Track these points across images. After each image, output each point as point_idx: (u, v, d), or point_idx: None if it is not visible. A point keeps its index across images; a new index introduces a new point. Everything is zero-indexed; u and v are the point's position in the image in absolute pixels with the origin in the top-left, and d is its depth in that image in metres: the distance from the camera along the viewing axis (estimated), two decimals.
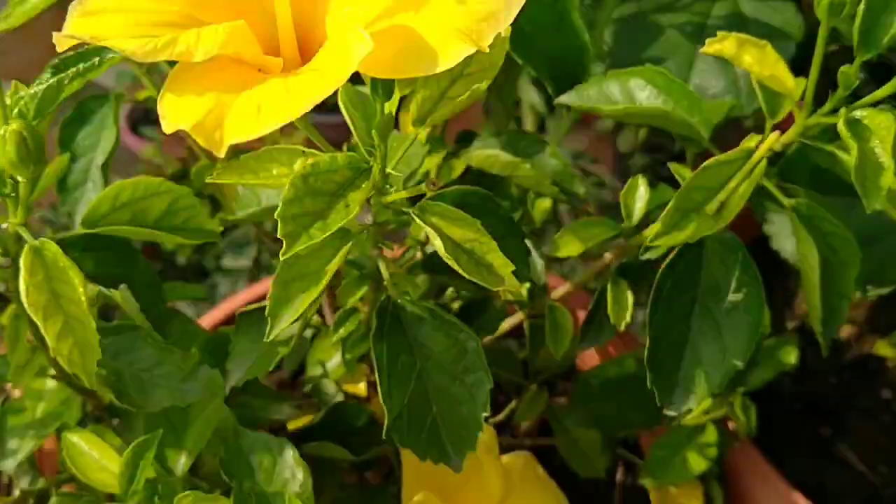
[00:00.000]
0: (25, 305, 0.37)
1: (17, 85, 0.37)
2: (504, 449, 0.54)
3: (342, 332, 0.50)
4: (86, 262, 0.44)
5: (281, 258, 0.31)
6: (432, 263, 0.48)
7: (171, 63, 0.28)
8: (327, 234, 0.31)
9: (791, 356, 0.62)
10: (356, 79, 0.29)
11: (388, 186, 0.38)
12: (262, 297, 0.44)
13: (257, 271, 1.21)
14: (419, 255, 0.54)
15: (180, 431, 0.47)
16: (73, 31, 0.29)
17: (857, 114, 0.37)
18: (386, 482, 0.59)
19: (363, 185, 0.33)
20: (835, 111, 0.38)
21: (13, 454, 0.52)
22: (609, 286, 0.48)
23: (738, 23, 0.51)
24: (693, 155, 0.46)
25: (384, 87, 0.33)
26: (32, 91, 0.35)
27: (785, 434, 0.72)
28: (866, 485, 0.70)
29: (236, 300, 0.74)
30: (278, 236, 0.31)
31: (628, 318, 0.47)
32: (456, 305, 0.54)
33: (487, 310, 0.51)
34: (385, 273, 0.42)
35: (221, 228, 0.56)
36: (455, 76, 0.35)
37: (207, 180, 0.36)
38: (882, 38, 0.36)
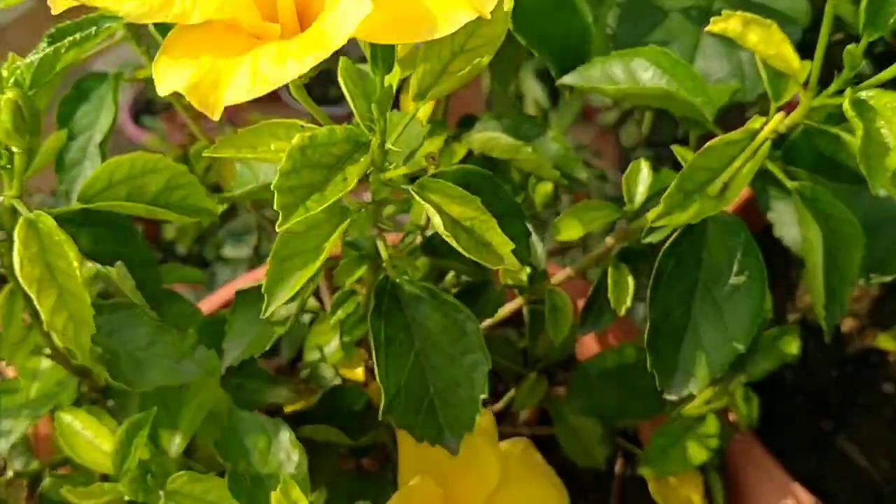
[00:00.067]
0: (19, 278, 0.36)
1: (13, 56, 0.37)
2: (503, 438, 0.54)
3: (340, 313, 0.49)
4: (82, 238, 0.44)
5: (277, 229, 0.31)
6: (432, 246, 0.47)
7: None
8: (324, 206, 0.31)
9: (793, 347, 0.61)
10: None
11: (387, 164, 0.37)
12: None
13: (258, 260, 1.21)
14: (419, 240, 0.54)
15: (175, 412, 0.47)
16: None
17: (863, 94, 0.36)
18: (383, 469, 0.59)
19: (362, 160, 0.33)
20: (840, 92, 0.38)
21: (7, 435, 0.52)
22: (610, 270, 0.47)
23: (744, 7, 0.50)
24: (696, 138, 0.45)
25: (384, 58, 0.32)
26: (28, 61, 0.34)
27: (786, 427, 0.72)
28: (867, 479, 0.69)
29: (235, 286, 0.74)
30: (275, 208, 0.30)
31: (628, 303, 0.47)
32: (455, 292, 0.54)
33: (487, 294, 0.51)
34: (384, 253, 0.41)
35: (221, 209, 0.55)
36: (456, 51, 0.34)
37: (205, 154, 0.35)
38: (889, 19, 0.36)
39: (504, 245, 0.36)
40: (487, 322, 0.53)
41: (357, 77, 0.38)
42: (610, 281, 0.47)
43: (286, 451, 0.44)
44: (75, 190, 0.50)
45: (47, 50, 0.34)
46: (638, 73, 0.42)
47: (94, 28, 0.35)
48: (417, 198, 0.36)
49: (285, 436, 0.44)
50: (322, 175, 0.32)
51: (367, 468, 0.61)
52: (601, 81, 0.42)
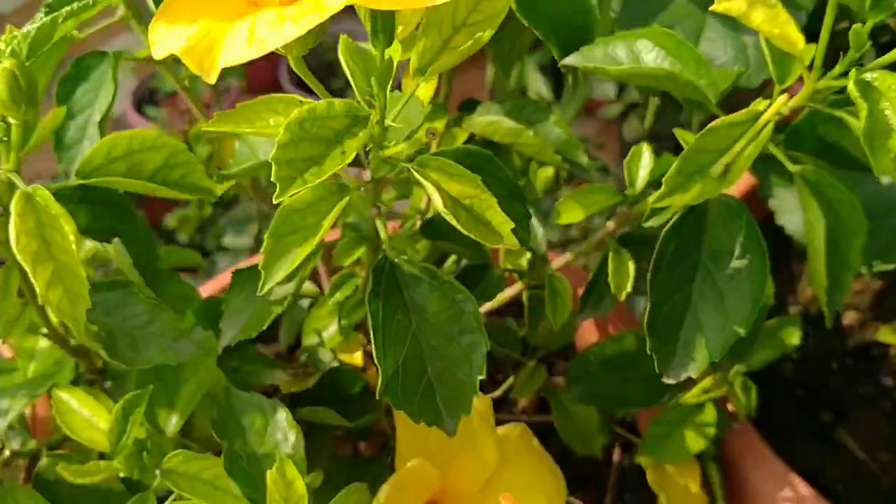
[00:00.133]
0: (15, 252, 0.36)
1: (10, 28, 0.37)
2: (501, 425, 0.54)
3: (338, 296, 0.49)
4: (79, 215, 0.44)
5: (274, 201, 0.31)
6: (432, 228, 0.47)
7: None
8: (322, 179, 0.31)
9: (794, 337, 0.61)
10: None
11: (387, 142, 0.37)
12: None
13: (258, 249, 1.20)
14: (419, 224, 0.54)
15: (172, 392, 0.47)
16: None
17: (868, 76, 0.36)
18: (381, 454, 0.58)
19: (360, 134, 0.32)
20: (844, 74, 0.37)
21: (4, 414, 0.52)
22: (610, 255, 0.47)
23: None
24: (699, 123, 0.45)
25: (385, 30, 0.32)
26: (25, 30, 0.34)
27: (785, 419, 0.71)
28: (866, 472, 0.69)
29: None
30: (272, 179, 0.30)
31: (629, 288, 0.47)
32: (455, 275, 0.53)
33: (487, 277, 0.51)
34: (382, 233, 0.41)
35: (220, 189, 0.55)
36: (457, 25, 0.34)
37: (203, 128, 0.35)
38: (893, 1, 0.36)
39: (504, 224, 0.36)
40: (488, 306, 0.53)
41: (358, 54, 0.37)
42: (610, 266, 0.47)
43: (283, 431, 0.44)
44: (74, 169, 0.50)
45: (44, 20, 0.34)
46: (641, 54, 0.42)
47: None
48: (417, 175, 0.36)
49: (282, 416, 0.44)
50: (320, 149, 0.32)
51: (365, 453, 0.61)
52: (604, 62, 0.42)
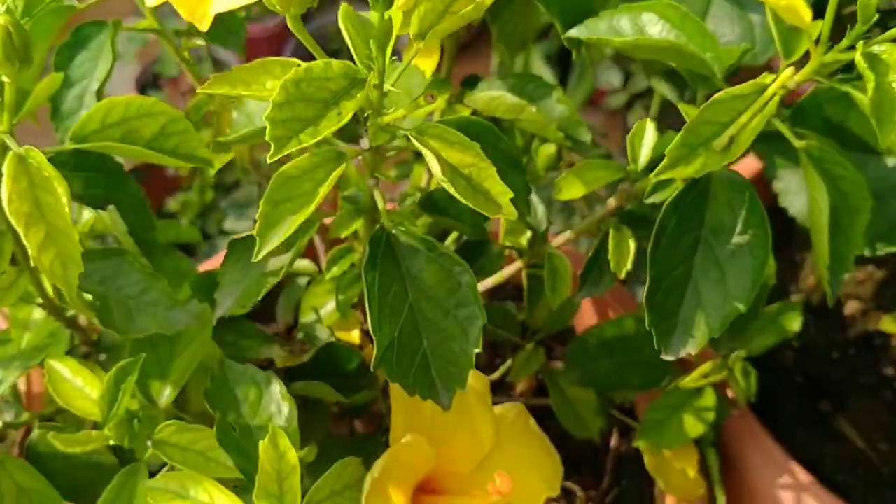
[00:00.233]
0: (7, 213, 0.35)
1: None
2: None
3: (335, 270, 0.49)
4: (74, 181, 0.43)
5: (268, 160, 0.30)
6: (431, 202, 0.47)
7: None
8: (318, 139, 0.30)
9: (795, 323, 0.60)
10: None
11: (385, 109, 0.37)
12: None
13: None
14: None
15: (166, 364, 0.46)
16: None
17: (875, 48, 0.35)
18: (376, 433, 0.58)
19: (358, 95, 0.32)
20: (851, 48, 0.37)
21: None
22: (611, 231, 0.46)
23: None
24: (703, 97, 0.44)
25: None
26: None
27: (785, 407, 0.71)
28: (865, 461, 0.68)
29: None
30: (266, 139, 0.29)
31: (629, 266, 0.46)
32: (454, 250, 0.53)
33: (486, 253, 0.50)
34: (380, 203, 0.40)
35: (219, 163, 0.54)
36: None
37: (199, 90, 0.34)
38: None
39: (503, 194, 0.35)
40: (487, 283, 0.52)
41: (358, 21, 0.37)
42: (611, 243, 0.46)
43: (277, 403, 0.43)
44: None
45: None
46: (646, 27, 0.41)
47: None
48: (416, 142, 0.35)
49: (276, 388, 0.44)
50: (316, 109, 0.31)
51: (361, 432, 0.60)
52: (608, 34, 0.41)
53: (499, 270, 0.51)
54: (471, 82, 0.54)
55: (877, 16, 0.36)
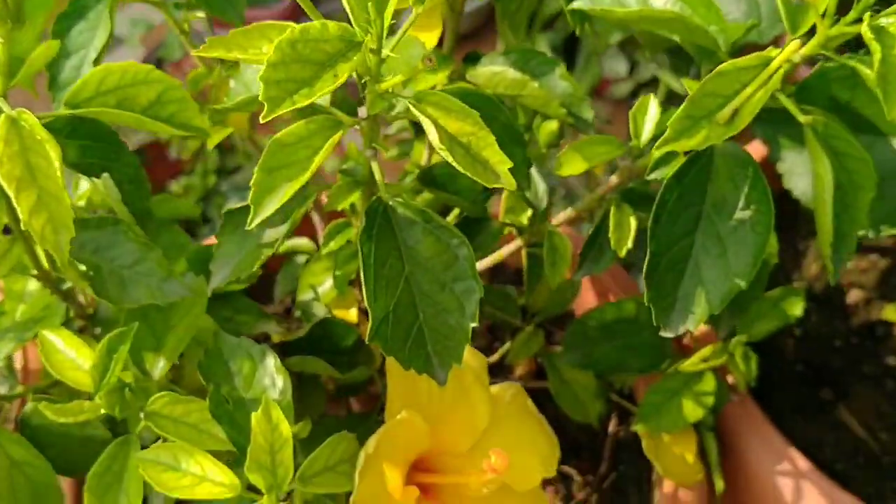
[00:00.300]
0: None
1: None
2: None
3: (332, 245, 0.48)
4: (69, 149, 0.43)
5: (261, 121, 0.29)
6: (430, 177, 0.46)
7: None
8: (312, 100, 0.29)
9: (797, 308, 0.60)
10: None
11: (383, 77, 0.36)
12: None
13: None
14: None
15: (160, 336, 0.46)
16: None
17: (882, 21, 0.35)
18: (372, 412, 0.58)
19: (354, 58, 0.31)
20: (858, 21, 0.36)
21: None
22: (612, 209, 0.46)
23: None
24: (707, 73, 0.43)
25: None
26: None
27: (785, 396, 0.70)
28: (865, 450, 0.68)
29: None
30: (260, 99, 0.29)
31: (630, 244, 0.45)
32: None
33: (485, 230, 0.50)
34: (377, 174, 0.40)
35: (217, 138, 0.54)
36: None
37: (195, 53, 0.34)
38: None
39: (501, 163, 0.35)
40: (486, 263, 0.52)
41: None
42: (612, 220, 0.46)
43: (271, 377, 0.43)
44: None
45: None
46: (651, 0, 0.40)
47: None
48: (414, 110, 0.35)
49: (271, 361, 0.43)
50: (312, 71, 0.30)
51: (357, 411, 0.60)
52: (612, 5, 0.40)
53: (497, 247, 0.50)
54: (473, 58, 0.53)
55: None
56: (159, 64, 1.75)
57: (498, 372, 0.70)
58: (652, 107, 0.45)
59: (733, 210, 0.38)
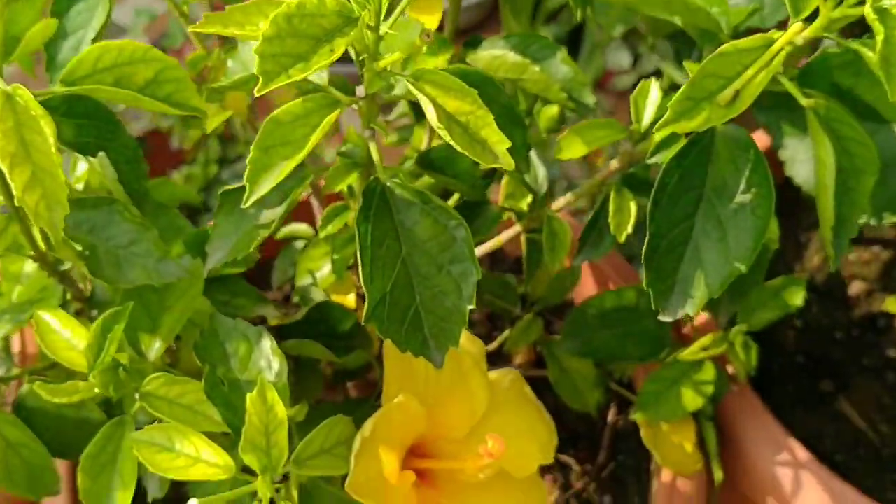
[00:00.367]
0: None
1: None
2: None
3: (330, 228, 0.48)
4: (65, 127, 0.42)
5: (256, 94, 0.29)
6: (429, 160, 0.46)
7: None
8: (308, 74, 0.29)
9: (797, 297, 0.59)
10: None
11: (381, 55, 0.36)
12: None
13: None
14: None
15: (156, 317, 0.46)
16: None
17: (885, 2, 0.34)
18: (369, 397, 0.57)
19: (351, 33, 0.31)
20: (861, 2, 0.36)
21: None
22: (612, 193, 0.45)
23: None
24: (709, 55, 0.43)
25: None
26: None
27: (785, 387, 0.70)
28: (865, 442, 0.67)
29: None
30: (255, 72, 0.29)
31: (629, 229, 0.45)
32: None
33: (483, 214, 0.49)
34: (375, 154, 0.40)
35: (216, 120, 0.54)
36: None
37: (190, 29, 0.33)
38: None
39: (500, 143, 0.35)
40: (486, 248, 0.52)
41: None
42: (612, 205, 0.45)
43: (267, 359, 0.43)
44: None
45: None
46: None
47: None
48: (412, 88, 0.34)
49: (267, 343, 0.43)
50: (308, 46, 0.30)
51: (354, 396, 0.60)
52: None
53: (496, 231, 0.50)
54: (473, 42, 0.53)
55: None
56: (163, 51, 1.75)
57: (497, 361, 0.70)
58: (653, 91, 0.45)
59: (734, 193, 0.38)
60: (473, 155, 0.34)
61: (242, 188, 0.39)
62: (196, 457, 0.40)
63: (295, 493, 0.41)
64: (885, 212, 0.48)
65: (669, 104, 0.35)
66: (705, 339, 0.59)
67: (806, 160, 0.50)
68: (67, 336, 0.44)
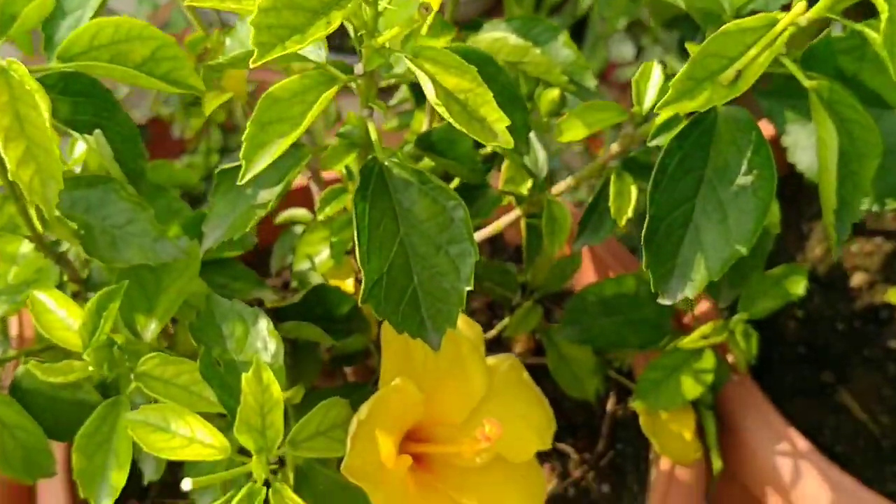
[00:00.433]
0: None
1: None
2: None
3: (328, 210, 0.48)
4: (62, 105, 0.42)
5: (251, 65, 0.29)
6: (428, 142, 0.45)
7: None
8: (304, 46, 0.29)
9: (799, 286, 0.59)
10: None
11: (379, 30, 0.35)
12: None
13: None
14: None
15: (152, 298, 0.45)
16: None
17: None
18: (367, 382, 0.57)
19: (348, 6, 0.31)
20: None
21: None
22: (612, 177, 0.45)
23: None
24: None
25: None
26: None
27: (785, 378, 0.70)
28: (865, 434, 0.67)
29: None
30: (251, 44, 0.28)
31: (630, 213, 0.45)
32: None
33: (483, 197, 0.49)
34: (373, 133, 0.39)
35: (214, 102, 0.53)
36: None
37: (185, 3, 0.33)
38: None
39: (499, 121, 0.34)
40: (485, 233, 0.51)
41: None
42: (612, 189, 0.45)
43: (263, 340, 0.42)
44: None
45: None
46: None
47: None
48: (410, 64, 0.34)
49: (263, 324, 0.43)
50: (304, 18, 0.30)
51: (352, 381, 0.60)
52: None
53: (496, 215, 0.50)
54: (474, 25, 0.52)
55: None
56: None
57: (496, 349, 0.69)
58: (655, 73, 0.44)
59: (735, 175, 0.37)
60: (472, 133, 0.34)
61: (239, 167, 0.39)
62: (191, 437, 0.40)
63: (291, 476, 0.41)
64: (887, 198, 0.47)
65: (671, 83, 0.35)
66: (706, 328, 0.58)
67: (809, 147, 0.49)
68: (62, 316, 0.44)
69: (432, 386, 0.48)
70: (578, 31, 1.44)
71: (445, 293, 0.39)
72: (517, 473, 0.50)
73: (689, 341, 0.58)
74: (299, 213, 0.62)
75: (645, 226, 0.37)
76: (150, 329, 0.45)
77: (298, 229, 0.64)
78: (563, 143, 0.85)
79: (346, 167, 0.49)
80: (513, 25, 0.50)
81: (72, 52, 0.40)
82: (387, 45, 0.35)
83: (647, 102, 0.44)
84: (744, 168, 0.37)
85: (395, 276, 0.38)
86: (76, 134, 0.41)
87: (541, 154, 0.49)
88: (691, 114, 0.38)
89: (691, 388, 0.57)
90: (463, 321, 0.49)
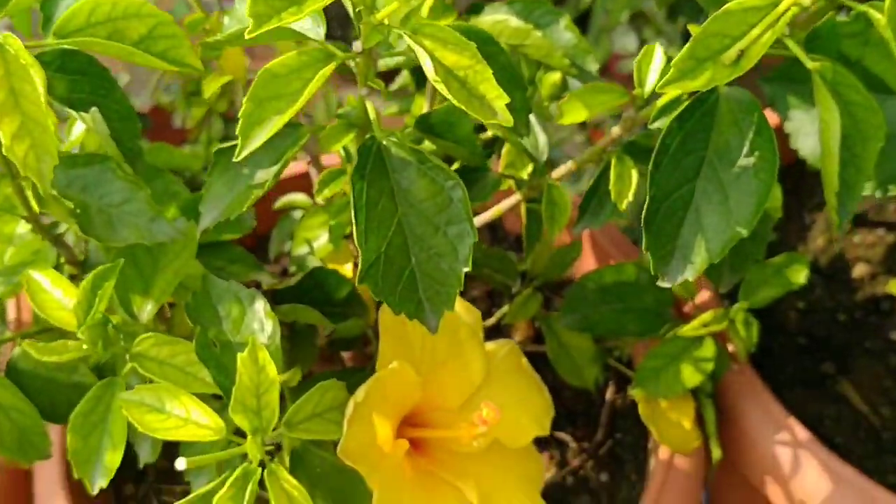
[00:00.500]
0: None
1: None
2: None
3: (326, 192, 0.47)
4: (58, 83, 0.42)
5: (247, 36, 0.28)
6: (428, 124, 0.45)
7: None
8: (300, 17, 0.28)
9: (800, 275, 0.59)
10: None
11: (377, 7, 0.35)
12: None
13: None
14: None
15: (148, 278, 0.45)
16: None
17: None
18: (364, 367, 0.57)
19: None
20: None
21: None
22: (613, 160, 0.45)
23: None
24: None
25: None
26: None
27: (786, 368, 0.69)
28: (866, 425, 0.67)
29: None
30: (247, 15, 0.28)
31: (630, 197, 0.44)
32: None
33: (483, 180, 0.48)
34: (371, 113, 0.39)
35: (213, 85, 0.53)
36: None
37: None
38: None
39: (498, 98, 0.34)
40: (485, 218, 0.51)
41: None
42: (613, 172, 0.45)
43: (260, 321, 0.42)
44: None
45: None
46: None
47: None
48: (409, 41, 0.34)
49: (260, 305, 0.42)
50: None
51: (350, 366, 0.59)
52: None
53: (495, 198, 0.49)
54: (475, 8, 0.52)
55: None
56: None
57: (496, 337, 0.69)
58: (657, 55, 0.44)
59: (737, 156, 0.37)
60: (471, 110, 0.34)
61: (236, 146, 0.38)
62: (186, 418, 0.39)
63: (286, 457, 0.41)
64: (890, 184, 0.47)
65: (673, 63, 0.35)
66: (706, 316, 0.58)
67: (811, 133, 0.49)
68: (58, 295, 0.44)
69: (430, 370, 0.48)
70: (582, 24, 1.43)
71: (443, 274, 0.38)
72: (515, 459, 0.50)
73: (689, 329, 0.58)
74: (298, 198, 0.62)
75: (645, 207, 0.37)
76: (147, 310, 0.44)
77: (297, 215, 0.63)
78: (565, 134, 0.86)
79: (345, 148, 0.49)
80: (514, 8, 0.49)
81: (68, 28, 0.39)
82: (386, 21, 0.35)
83: (649, 85, 0.44)
84: (745, 149, 0.37)
85: (393, 256, 0.38)
86: (74, 113, 0.41)
87: (541, 138, 0.49)
88: (693, 94, 0.38)
89: (691, 376, 0.57)
90: (461, 306, 0.49)
